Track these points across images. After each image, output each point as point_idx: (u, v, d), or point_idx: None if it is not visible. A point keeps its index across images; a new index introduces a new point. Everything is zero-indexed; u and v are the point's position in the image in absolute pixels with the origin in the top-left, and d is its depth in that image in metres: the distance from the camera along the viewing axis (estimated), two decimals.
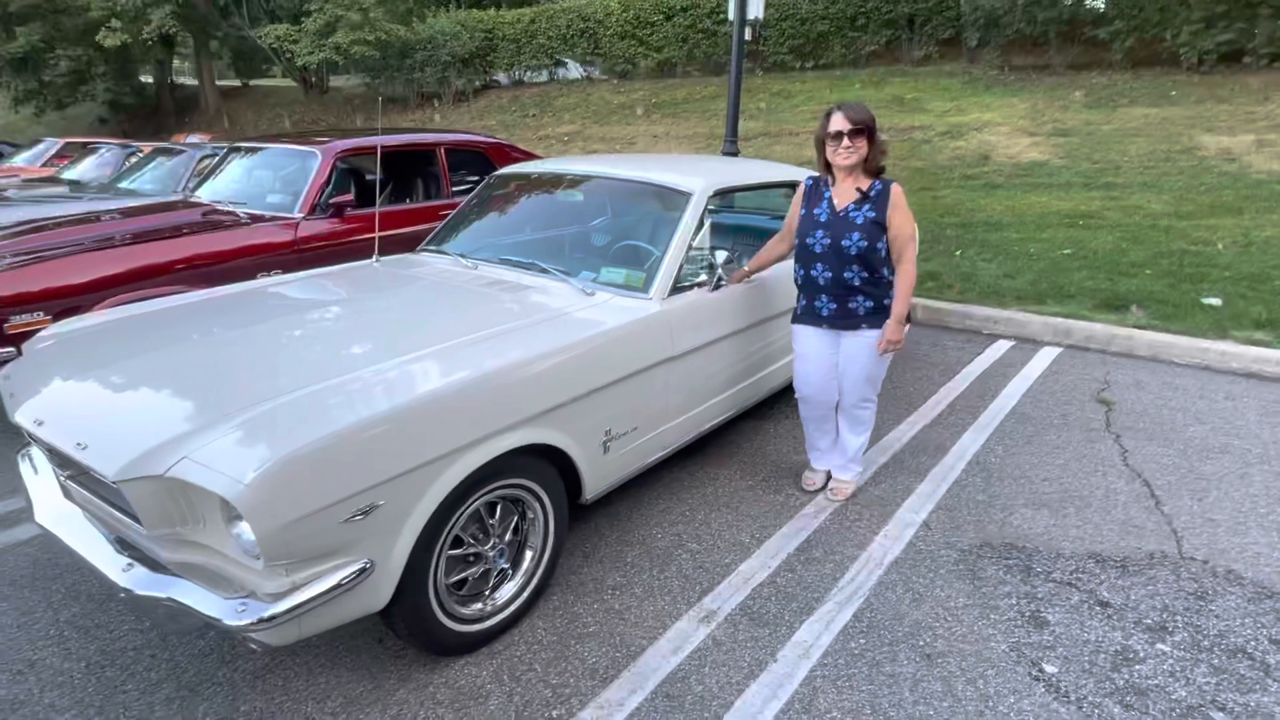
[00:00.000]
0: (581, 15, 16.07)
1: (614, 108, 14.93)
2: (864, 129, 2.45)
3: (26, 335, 3.18)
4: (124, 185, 6.46)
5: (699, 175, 2.92)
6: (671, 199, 2.85)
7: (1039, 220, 7.44)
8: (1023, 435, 3.50)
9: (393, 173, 5.48)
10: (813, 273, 2.62)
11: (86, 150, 8.95)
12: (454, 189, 5.05)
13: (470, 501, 1.93)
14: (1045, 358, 4.62)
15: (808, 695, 1.93)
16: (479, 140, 5.42)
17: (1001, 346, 4.86)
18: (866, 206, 2.52)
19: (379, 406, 1.67)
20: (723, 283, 2.77)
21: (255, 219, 4.15)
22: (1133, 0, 10.79)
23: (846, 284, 2.57)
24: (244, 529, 1.53)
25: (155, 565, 1.72)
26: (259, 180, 4.61)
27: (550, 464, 2.17)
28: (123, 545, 1.83)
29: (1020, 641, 2.13)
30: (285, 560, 1.52)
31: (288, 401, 1.69)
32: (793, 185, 3.52)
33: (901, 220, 2.51)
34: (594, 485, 2.35)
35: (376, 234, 3.30)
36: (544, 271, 2.74)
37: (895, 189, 2.52)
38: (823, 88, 13.50)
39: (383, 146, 4.72)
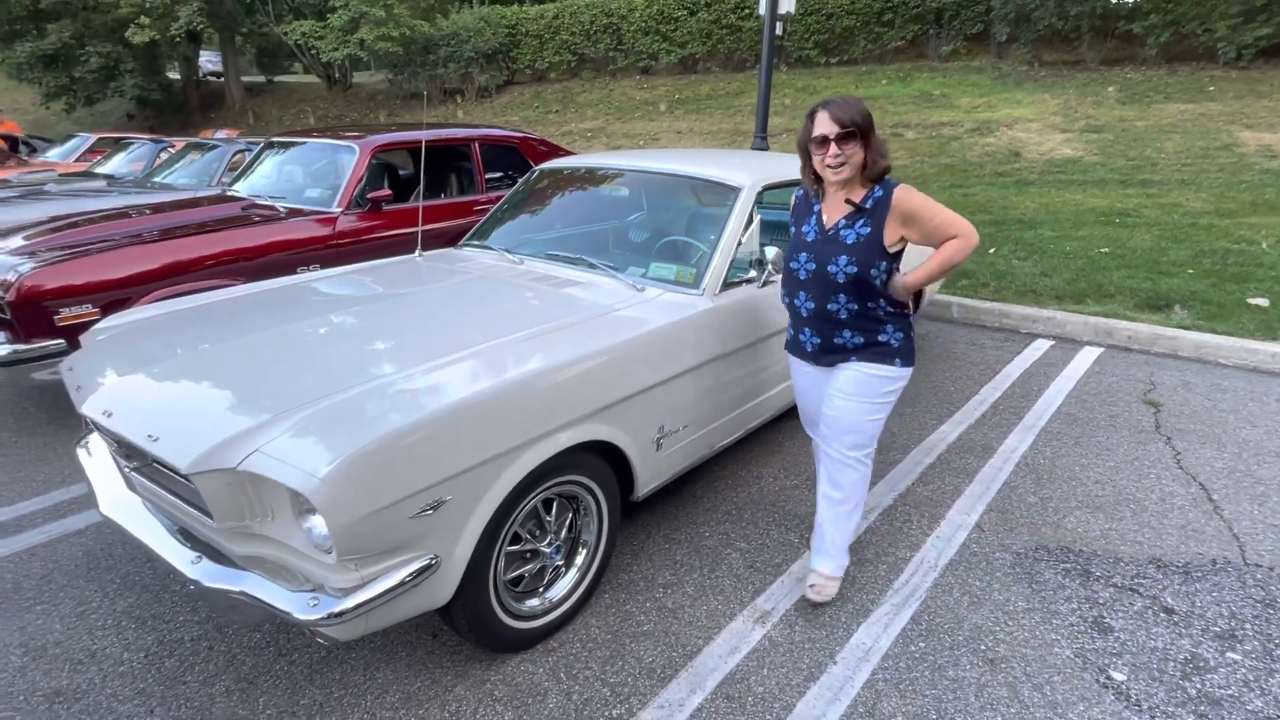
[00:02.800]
0: (605, 10, 16.02)
1: (637, 104, 14.89)
2: (855, 131, 1.90)
3: (76, 327, 3.23)
4: (159, 180, 6.52)
5: (748, 170, 2.89)
6: (720, 194, 2.81)
7: (1074, 218, 7.31)
8: (1070, 437, 3.44)
9: (427, 168, 5.49)
10: (795, 302, 2.15)
11: (119, 145, 9.06)
12: (488, 184, 5.04)
13: (530, 498, 1.91)
14: (1087, 358, 4.54)
15: (870, 699, 1.90)
16: (512, 135, 5.41)
17: (1041, 346, 4.77)
18: (860, 222, 1.99)
19: (446, 400, 1.66)
20: (771, 279, 2.73)
21: (293, 213, 4.17)
22: None
23: (831, 317, 2.07)
24: (316, 523, 1.53)
25: (220, 558, 1.72)
26: (296, 175, 4.64)
27: (605, 461, 2.15)
28: (185, 536, 1.84)
29: (1085, 647, 2.08)
30: (356, 555, 1.51)
31: (354, 395, 1.68)
32: None
33: (925, 218, 1.96)
34: (646, 482, 2.33)
35: (420, 228, 3.30)
36: (592, 267, 2.72)
37: (899, 191, 1.97)
38: (848, 83, 13.37)
39: (417, 142, 4.72)
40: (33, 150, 12.48)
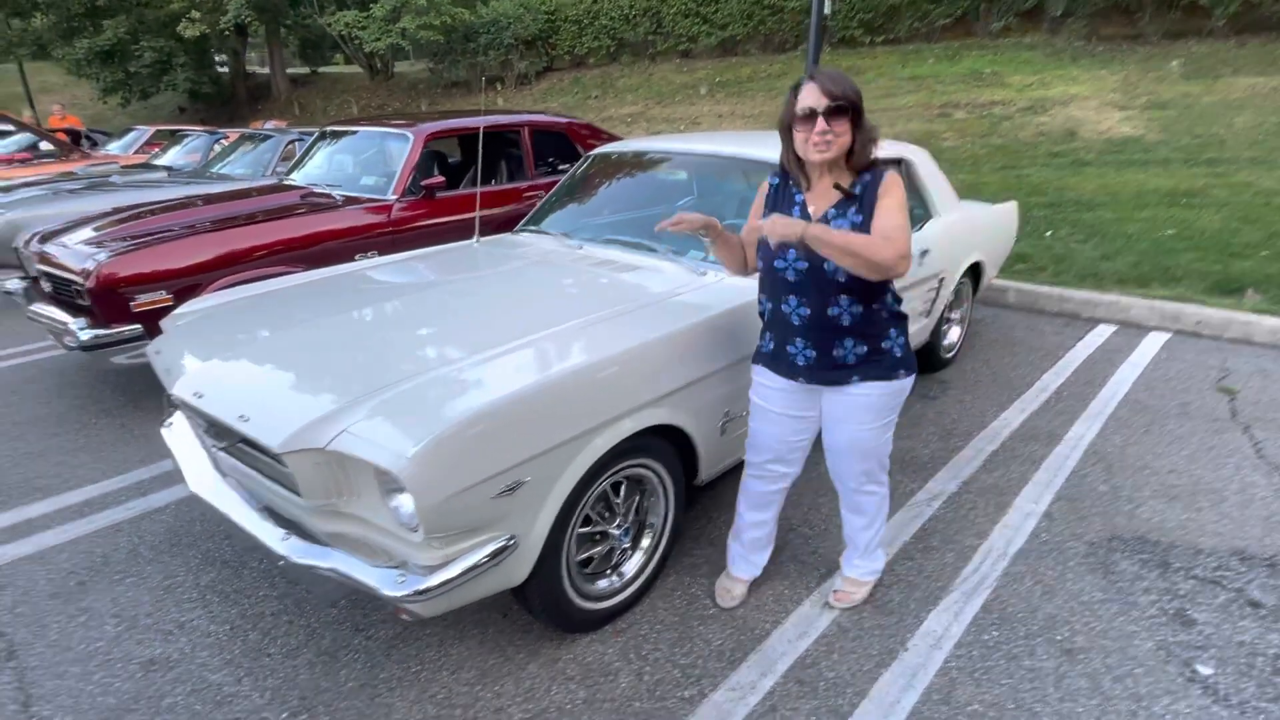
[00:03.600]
0: None
1: (676, 87, 14.76)
2: (847, 107, 1.70)
3: (151, 313, 3.34)
4: (216, 170, 6.71)
5: None
6: None
7: (1136, 199, 7.04)
8: (1140, 425, 3.33)
9: (477, 155, 5.53)
10: (784, 308, 1.87)
11: (175, 138, 9.33)
12: (537, 170, 5.06)
13: (601, 480, 1.93)
14: (1154, 343, 4.38)
15: (945, 686, 1.88)
16: (560, 121, 5.41)
17: (1103, 331, 4.62)
18: (853, 210, 1.76)
19: (524, 384, 1.68)
20: None
21: (349, 201, 4.24)
22: None
23: (832, 324, 1.81)
24: (403, 501, 1.56)
25: (306, 534, 1.77)
26: (351, 164, 4.72)
27: (671, 445, 2.15)
28: (269, 514, 1.90)
29: (1167, 640, 2.03)
30: (441, 533, 1.54)
31: (433, 378, 1.71)
32: (899, 161, 3.40)
33: (890, 205, 1.72)
34: (709, 467, 2.33)
35: (477, 213, 3.33)
36: (652, 251, 2.71)
37: (891, 176, 1.77)
38: (894, 63, 13.05)
39: (469, 129, 4.76)
40: (94, 144, 12.93)
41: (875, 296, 1.81)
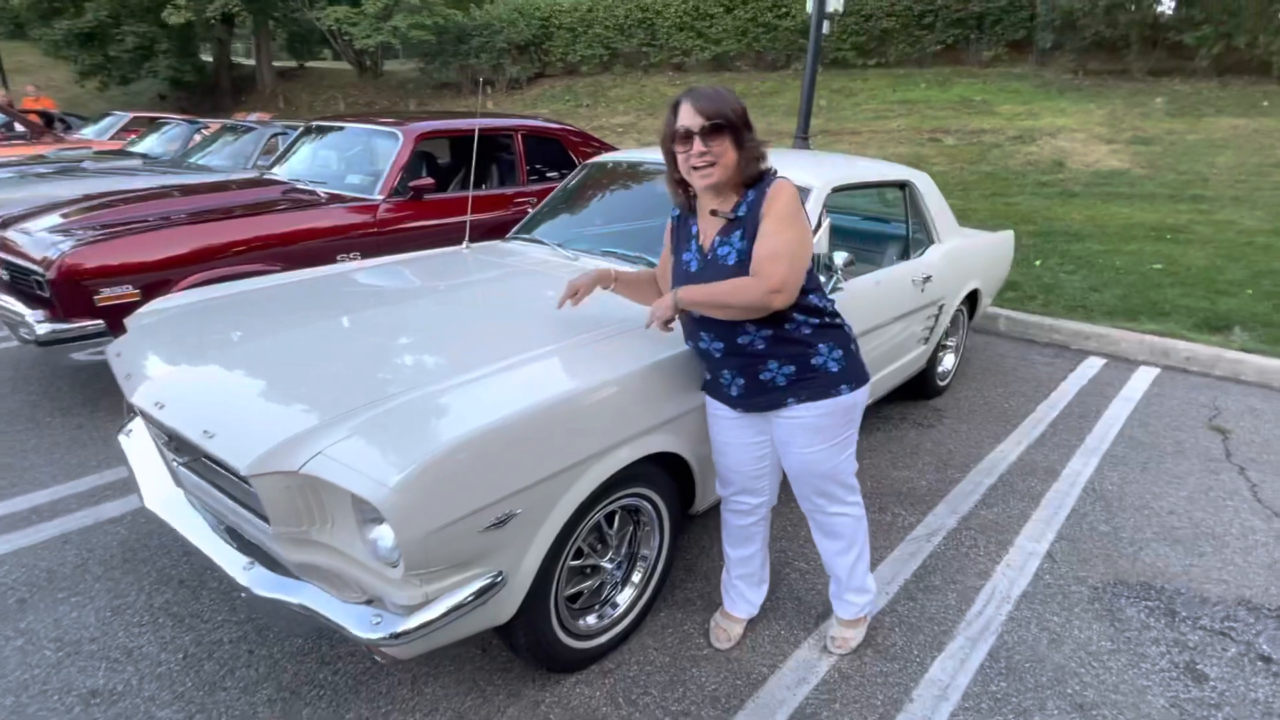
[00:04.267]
0: (640, 5, 15.89)
1: (669, 100, 14.74)
2: (725, 124, 1.57)
3: (116, 308, 3.15)
4: (194, 161, 6.48)
5: (816, 171, 2.75)
6: None
7: (1122, 232, 7.10)
8: (1137, 462, 3.27)
9: (467, 158, 5.40)
10: (700, 345, 1.79)
11: (154, 125, 9.05)
12: (529, 176, 4.94)
13: (596, 510, 1.80)
14: (1144, 378, 4.36)
15: None
16: (554, 127, 5.30)
17: (1094, 364, 4.60)
18: (738, 235, 1.64)
19: (519, 408, 1.54)
20: (840, 285, 2.59)
21: (334, 199, 4.08)
22: (1223, 5, 10.27)
23: (747, 350, 1.71)
24: (382, 534, 1.42)
25: (272, 562, 1.62)
26: (338, 160, 4.55)
27: (668, 473, 2.03)
28: (233, 535, 1.75)
29: (1179, 697, 1.94)
30: (424, 569, 1.40)
31: (421, 396, 1.57)
32: (903, 185, 3.33)
33: (769, 229, 1.58)
34: (706, 496, 2.21)
35: (469, 218, 3.19)
36: (650, 265, 2.60)
37: (775, 186, 1.62)
38: (885, 86, 13.16)
39: (460, 131, 4.63)
40: (67, 127, 12.55)
41: (782, 318, 1.68)
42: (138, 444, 2.11)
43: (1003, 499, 2.92)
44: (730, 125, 1.58)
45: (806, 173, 2.72)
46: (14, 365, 4.00)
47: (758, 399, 1.77)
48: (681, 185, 1.74)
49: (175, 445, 1.73)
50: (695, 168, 1.61)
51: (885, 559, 2.50)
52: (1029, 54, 12.97)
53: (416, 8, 15.62)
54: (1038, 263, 6.33)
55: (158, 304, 2.36)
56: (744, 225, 1.64)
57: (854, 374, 1.77)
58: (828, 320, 1.75)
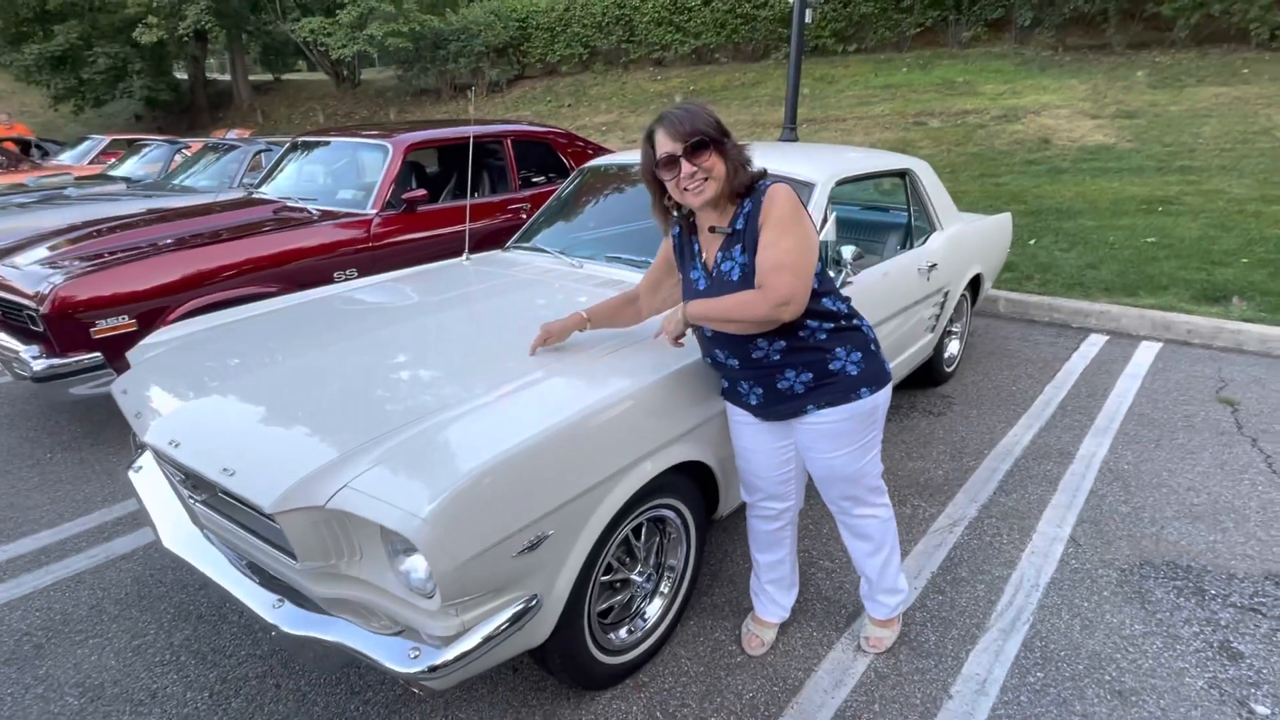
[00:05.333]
0: (617, 2, 15.81)
1: (651, 96, 14.69)
2: (706, 139, 1.55)
3: (112, 340, 3.10)
4: (178, 182, 6.40)
5: (819, 164, 2.73)
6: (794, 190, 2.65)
7: (1113, 206, 7.11)
8: (1149, 439, 3.27)
9: (457, 167, 5.35)
10: (717, 359, 1.78)
11: (133, 148, 8.94)
12: (521, 182, 4.89)
13: (625, 524, 1.77)
14: (1147, 353, 4.37)
15: None
16: (542, 130, 5.25)
17: (1096, 341, 4.61)
18: (738, 248, 1.62)
19: (544, 427, 1.51)
20: (850, 278, 2.57)
21: (326, 216, 4.02)
22: None
23: (763, 362, 1.70)
24: (414, 565, 1.39)
25: (300, 598, 1.58)
26: (327, 176, 4.49)
27: (692, 481, 2.00)
28: (255, 571, 1.71)
29: (1218, 677, 1.93)
30: (459, 599, 1.37)
31: (440, 421, 1.54)
32: (904, 174, 3.31)
33: (769, 239, 1.55)
34: (729, 501, 2.19)
35: (467, 228, 3.16)
36: None
37: (770, 192, 1.59)
38: (867, 71, 13.14)
39: (449, 140, 4.58)
40: (44, 153, 12.40)
41: (795, 326, 1.65)
42: (148, 480, 2.06)
43: (1020, 485, 2.91)
44: (711, 139, 1.56)
45: (809, 166, 2.70)
46: (9, 401, 3.93)
47: (778, 407, 1.75)
48: (667, 212, 1.74)
49: (192, 483, 1.69)
50: (687, 189, 1.59)
51: (910, 553, 2.49)
52: (1008, 32, 12.97)
53: (392, 16, 15.48)
54: (1032, 241, 6.33)
55: (159, 335, 2.31)
56: (743, 238, 1.62)
57: (874, 376, 1.73)
58: (843, 323, 1.71)
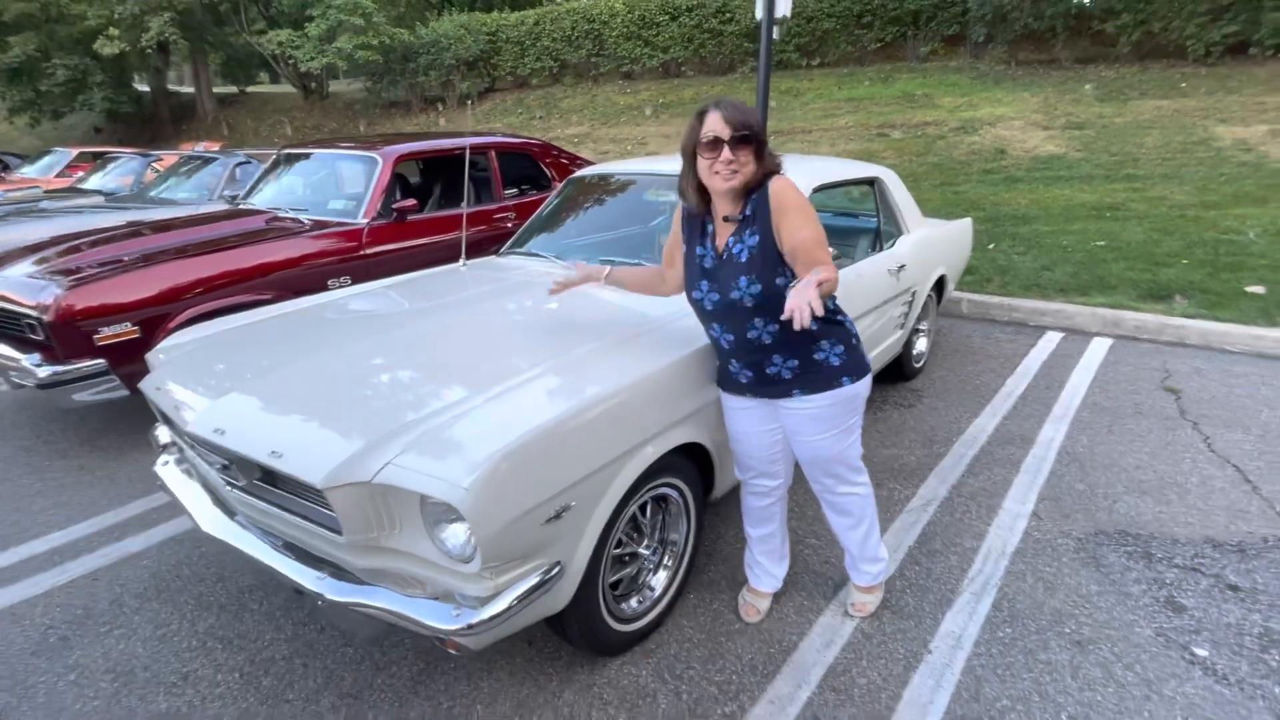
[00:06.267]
0: (586, 16, 16.06)
1: (621, 109, 14.93)
2: (751, 136, 1.71)
3: (115, 347, 3.17)
4: (158, 194, 6.40)
5: (796, 173, 2.92)
6: None
7: (1065, 213, 7.51)
8: (1102, 425, 3.54)
9: (439, 177, 5.48)
10: (712, 334, 1.95)
11: (103, 160, 8.86)
12: (505, 192, 5.04)
13: (635, 500, 1.93)
14: (1099, 348, 4.67)
15: (973, 685, 1.95)
16: (523, 142, 5.41)
17: (1052, 338, 4.90)
18: (749, 232, 1.77)
19: (567, 408, 1.67)
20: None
21: (318, 226, 4.13)
22: None
23: (754, 345, 1.85)
24: (454, 532, 1.54)
25: (338, 572, 1.71)
26: (316, 186, 4.59)
27: (692, 463, 2.17)
28: (287, 548, 1.83)
29: (1164, 626, 2.16)
30: (497, 562, 1.52)
31: (473, 405, 1.69)
32: (873, 181, 3.55)
33: (795, 224, 1.70)
34: (724, 482, 2.36)
35: (464, 234, 3.30)
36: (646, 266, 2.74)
37: (774, 185, 1.76)
38: (830, 85, 13.56)
39: (436, 151, 4.71)
40: (5, 166, 12.15)
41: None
42: (174, 475, 2.16)
43: (986, 467, 3.14)
44: (755, 138, 1.72)
45: (790, 174, 2.90)
46: None
47: (766, 388, 1.92)
48: (698, 187, 1.83)
49: (232, 469, 1.81)
50: (718, 173, 1.73)
51: (888, 530, 2.69)
52: (963, 47, 13.52)
53: (361, 29, 15.52)
54: (991, 246, 6.67)
55: (177, 339, 2.41)
56: (754, 222, 1.77)
57: (855, 367, 1.90)
58: (829, 317, 1.87)
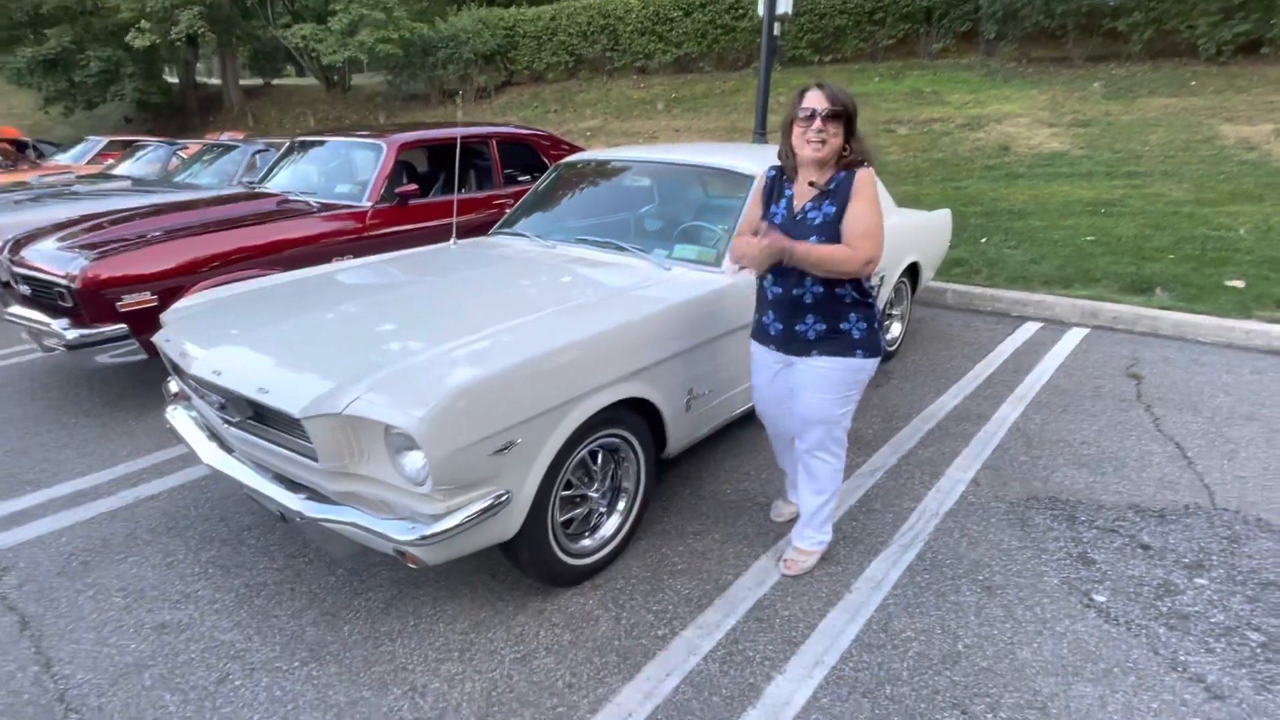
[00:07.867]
0: (601, 12, 16.28)
1: (634, 103, 15.14)
2: (843, 114, 1.97)
3: (136, 313, 3.47)
4: (182, 179, 6.75)
5: (759, 160, 3.14)
6: (736, 181, 3.08)
7: (1062, 208, 7.61)
8: (1059, 405, 3.71)
9: (445, 165, 5.74)
10: (764, 283, 2.21)
11: (132, 148, 9.27)
12: (505, 180, 5.29)
13: (582, 446, 2.17)
14: (1074, 337, 4.82)
15: (883, 619, 2.17)
16: (525, 132, 5.66)
17: (1031, 328, 5.06)
18: (826, 203, 2.02)
19: (515, 359, 1.92)
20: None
21: (326, 208, 4.41)
22: None
23: (796, 301, 2.11)
24: (412, 459, 1.78)
25: (318, 496, 1.97)
26: (326, 172, 4.87)
27: (642, 419, 2.40)
28: (275, 479, 2.09)
29: (1070, 577, 2.36)
30: (447, 485, 1.76)
31: (435, 354, 1.94)
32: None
33: (861, 210, 1.96)
34: (677, 440, 2.59)
35: (455, 218, 3.55)
36: (620, 249, 2.97)
37: (861, 173, 2.01)
38: (841, 80, 13.59)
39: (437, 139, 4.98)
40: (40, 154, 12.66)
41: (837, 281, 2.07)
42: (182, 420, 2.44)
43: (938, 440, 3.34)
44: (847, 115, 1.99)
45: (749, 161, 3.12)
46: (30, 377, 4.28)
47: (791, 344, 2.18)
48: (790, 153, 2.09)
49: (228, 408, 2.08)
50: (809, 140, 1.99)
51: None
52: (976, 45, 13.55)
53: (382, 23, 15.88)
54: (983, 240, 6.81)
55: (189, 300, 2.69)
56: (834, 196, 2.03)
57: (871, 345, 2.16)
58: (866, 300, 2.14)
